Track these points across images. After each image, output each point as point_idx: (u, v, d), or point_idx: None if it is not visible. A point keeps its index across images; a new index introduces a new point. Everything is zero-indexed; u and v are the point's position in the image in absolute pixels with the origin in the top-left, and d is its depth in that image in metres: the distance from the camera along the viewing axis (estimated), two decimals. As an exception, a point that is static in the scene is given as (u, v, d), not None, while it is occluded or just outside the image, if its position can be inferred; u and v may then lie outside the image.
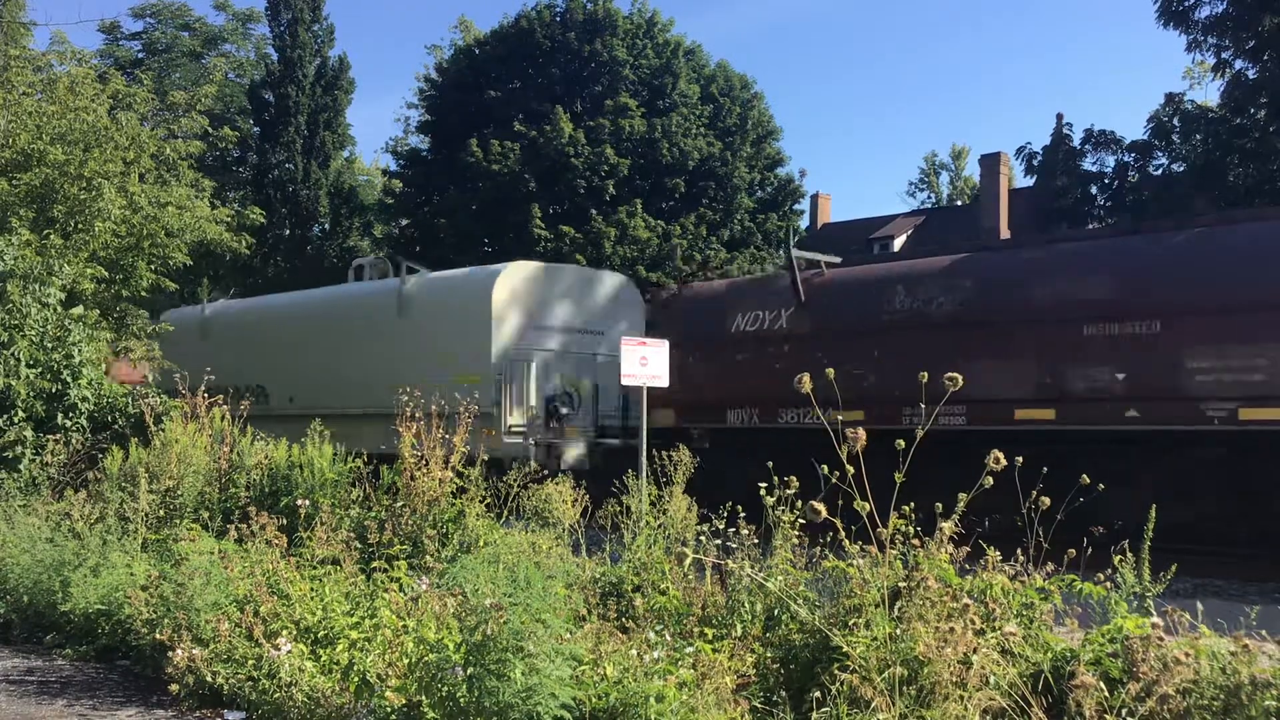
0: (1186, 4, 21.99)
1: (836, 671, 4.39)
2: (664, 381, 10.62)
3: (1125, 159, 24.89)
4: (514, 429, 15.00)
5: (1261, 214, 12.79)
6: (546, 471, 8.48)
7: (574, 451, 15.45)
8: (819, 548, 5.56)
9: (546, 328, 15.78)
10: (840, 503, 4.06)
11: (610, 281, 17.29)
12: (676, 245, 22.99)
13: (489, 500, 7.57)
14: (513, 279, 15.65)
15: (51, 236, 13.06)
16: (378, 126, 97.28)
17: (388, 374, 13.63)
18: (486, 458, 7.85)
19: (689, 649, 5.11)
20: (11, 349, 10.87)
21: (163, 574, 6.51)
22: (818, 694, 4.47)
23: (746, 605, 5.71)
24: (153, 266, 15.22)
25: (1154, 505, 5.70)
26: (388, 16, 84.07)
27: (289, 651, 5.17)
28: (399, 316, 16.64)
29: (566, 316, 16.08)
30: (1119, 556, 5.32)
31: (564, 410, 15.44)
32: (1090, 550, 5.28)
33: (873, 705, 4.09)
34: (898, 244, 37.23)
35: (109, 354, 13.85)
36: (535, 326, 15.63)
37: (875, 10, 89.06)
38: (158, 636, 5.92)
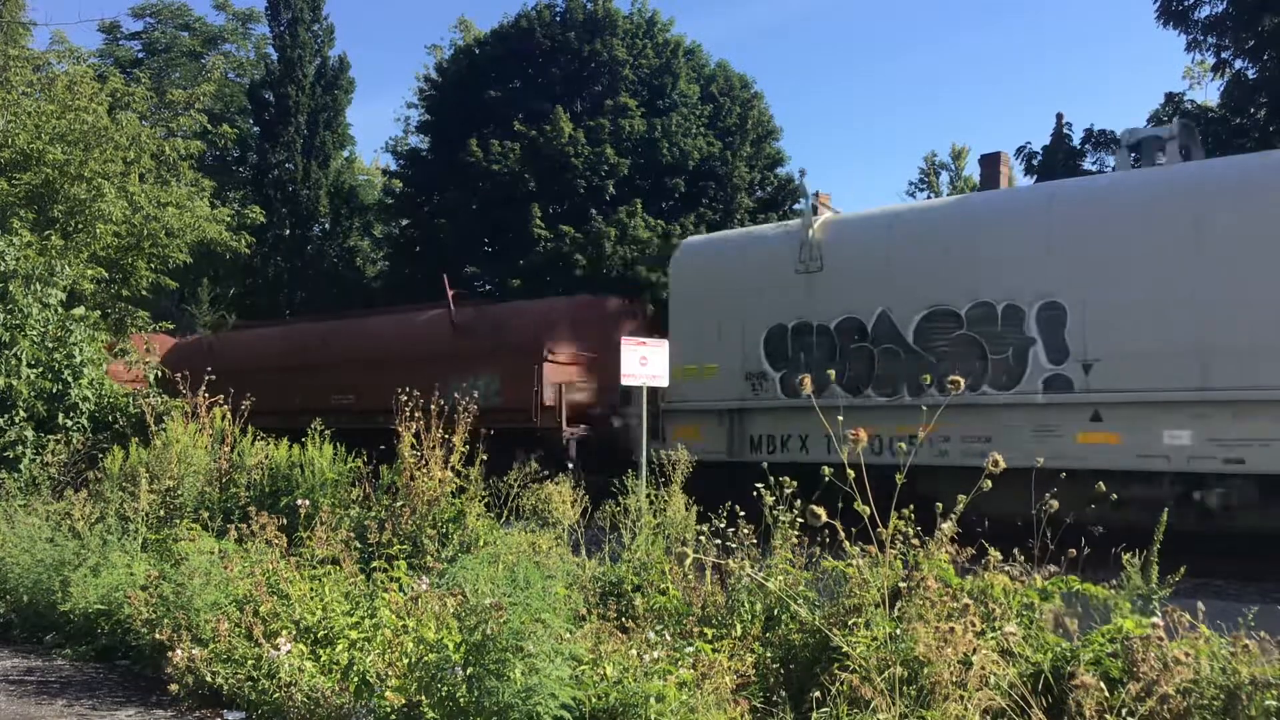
0: (1186, 4, 21.93)
1: (836, 671, 4.39)
2: (664, 381, 10.61)
3: (1125, 159, 24.81)
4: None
5: None
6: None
7: None
8: (818, 547, 5.55)
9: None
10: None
11: None
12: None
13: (489, 500, 7.57)
14: None
15: (52, 237, 13.05)
16: (378, 126, 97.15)
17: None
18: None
19: (689, 649, 5.10)
20: (13, 349, 10.87)
21: (162, 574, 6.51)
22: (818, 694, 4.47)
23: (746, 605, 5.70)
24: (153, 266, 15.23)
25: (1165, 510, 5.70)
26: (388, 16, 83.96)
27: (289, 651, 5.17)
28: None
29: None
30: (1127, 555, 5.30)
31: None
32: (1089, 550, 5.27)
33: (873, 705, 4.08)
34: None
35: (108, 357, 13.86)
36: None
37: (876, 10, 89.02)
38: (157, 636, 5.92)
